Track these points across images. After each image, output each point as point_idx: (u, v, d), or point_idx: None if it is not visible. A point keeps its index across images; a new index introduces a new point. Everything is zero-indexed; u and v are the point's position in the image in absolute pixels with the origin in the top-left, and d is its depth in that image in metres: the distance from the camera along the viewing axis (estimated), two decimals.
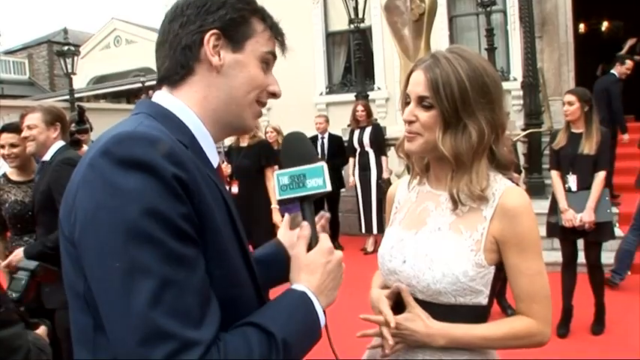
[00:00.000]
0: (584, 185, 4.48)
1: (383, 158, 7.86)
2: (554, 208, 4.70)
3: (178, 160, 0.94)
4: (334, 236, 8.33)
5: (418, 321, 1.47)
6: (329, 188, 1.21)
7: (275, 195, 4.99)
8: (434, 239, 1.51)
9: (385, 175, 7.77)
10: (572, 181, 4.54)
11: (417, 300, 1.51)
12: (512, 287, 1.49)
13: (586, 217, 4.40)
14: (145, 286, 0.86)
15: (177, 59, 1.11)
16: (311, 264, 1.16)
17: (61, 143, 3.43)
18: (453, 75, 1.44)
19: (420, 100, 1.48)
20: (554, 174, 4.67)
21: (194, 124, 1.10)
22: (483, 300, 1.47)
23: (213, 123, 1.13)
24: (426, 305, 1.49)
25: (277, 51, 1.21)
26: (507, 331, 1.47)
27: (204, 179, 1.00)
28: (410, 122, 1.51)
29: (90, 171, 0.94)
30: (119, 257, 0.88)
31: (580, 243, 4.68)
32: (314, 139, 8.36)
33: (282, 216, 5.70)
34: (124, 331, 0.87)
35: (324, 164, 1.23)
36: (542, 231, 6.31)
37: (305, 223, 1.22)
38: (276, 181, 1.23)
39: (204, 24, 1.10)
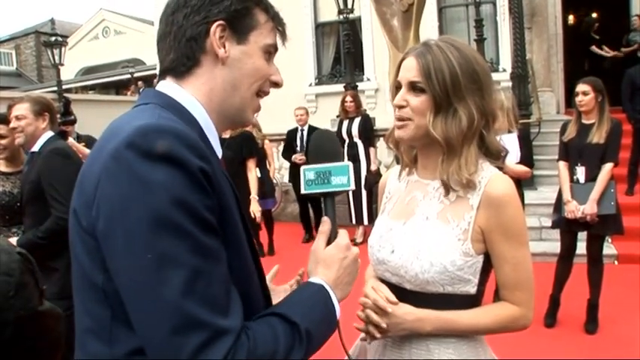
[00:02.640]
0: (593, 176, 4.40)
1: (371, 149, 7.80)
2: (558, 202, 4.63)
3: (202, 154, 0.96)
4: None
5: (405, 307, 1.49)
6: (352, 187, 1.26)
7: (255, 186, 4.97)
8: (422, 229, 1.52)
9: (373, 167, 7.72)
10: (581, 172, 4.47)
11: (405, 290, 1.52)
12: (497, 274, 1.51)
13: (588, 209, 4.33)
14: (176, 276, 0.88)
15: (183, 51, 1.11)
16: (328, 258, 1.20)
17: (50, 134, 3.38)
18: (445, 61, 1.46)
19: (412, 85, 1.50)
20: (562, 164, 4.60)
21: (201, 117, 1.10)
22: (472, 289, 1.48)
23: (217, 115, 1.14)
24: (414, 295, 1.50)
25: (278, 41, 1.22)
26: (493, 317, 1.50)
27: (219, 172, 1.02)
28: (400, 107, 1.52)
29: (115, 163, 0.93)
30: (149, 248, 0.89)
31: (581, 235, 4.62)
32: (294, 131, 8.24)
33: (261, 207, 5.76)
34: (156, 321, 0.89)
35: (349, 164, 1.27)
36: (529, 222, 6.32)
37: (326, 219, 1.26)
38: (303, 176, 1.27)
39: (209, 15, 1.09)
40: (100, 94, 19.30)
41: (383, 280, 1.60)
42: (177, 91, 1.11)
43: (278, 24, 1.20)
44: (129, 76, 20.27)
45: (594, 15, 12.95)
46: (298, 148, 8.00)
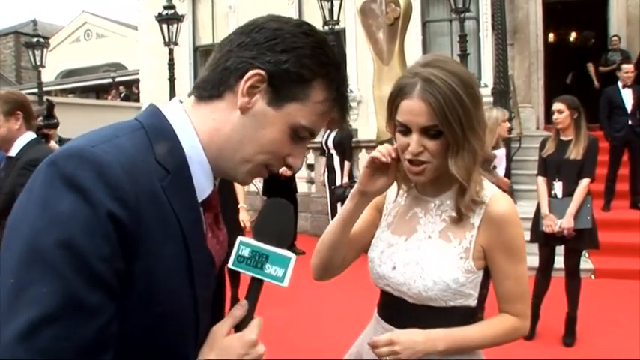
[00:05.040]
0: (570, 191, 4.51)
1: (346, 163, 7.78)
2: (537, 216, 4.73)
3: (122, 196, 0.84)
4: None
5: (414, 331, 1.48)
6: (285, 284, 1.05)
7: (243, 194, 4.76)
8: (424, 247, 1.53)
9: (345, 180, 7.70)
10: (558, 187, 4.59)
11: (407, 303, 1.53)
12: (497, 289, 1.54)
13: (565, 223, 4.42)
14: (27, 314, 0.78)
15: (216, 75, 1.00)
16: (225, 349, 1.00)
17: (30, 136, 3.03)
18: (454, 96, 1.39)
19: (426, 130, 1.42)
20: (540, 179, 4.72)
21: (192, 148, 0.99)
22: (472, 302, 1.51)
23: (212, 158, 1.01)
24: (416, 308, 1.52)
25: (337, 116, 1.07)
26: (498, 330, 1.53)
27: (160, 214, 0.90)
28: (418, 153, 1.45)
29: (35, 177, 0.87)
30: (18, 275, 0.80)
31: (559, 249, 4.74)
32: None
33: (250, 219, 5.58)
34: None
35: (292, 256, 1.06)
36: None
37: (244, 302, 1.05)
38: (236, 248, 1.07)
39: (258, 58, 0.97)
40: (80, 98, 19.08)
41: (383, 292, 1.62)
42: (179, 115, 1.00)
43: (339, 106, 1.04)
44: (110, 80, 20.11)
45: (573, 34, 13.22)
46: None
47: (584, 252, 6.41)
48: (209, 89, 1.00)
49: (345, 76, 1.06)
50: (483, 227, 1.49)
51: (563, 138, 4.58)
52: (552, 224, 4.46)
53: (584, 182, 4.47)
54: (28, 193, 0.87)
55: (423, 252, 1.52)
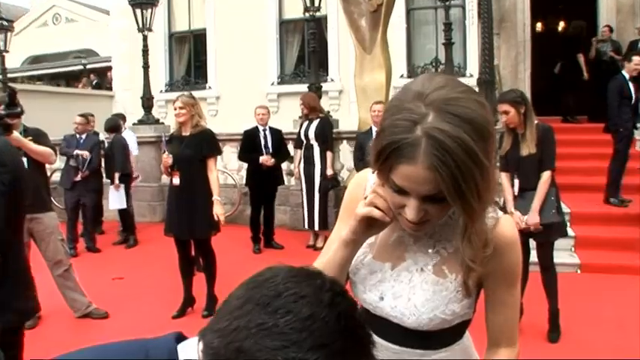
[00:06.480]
0: (530, 187, 4.48)
1: (328, 154, 7.52)
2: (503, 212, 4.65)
3: None
4: (269, 234, 7.92)
5: None
6: None
7: (217, 186, 4.48)
8: (416, 282, 1.39)
9: (329, 172, 7.49)
10: (518, 184, 4.60)
11: (401, 327, 1.41)
12: (494, 318, 1.43)
13: (530, 220, 4.40)
14: None
15: (227, 352, 0.81)
16: None
17: None
18: (471, 160, 1.10)
19: (431, 197, 1.16)
20: (504, 176, 4.67)
21: None
22: (468, 317, 1.42)
23: None
24: (413, 331, 1.40)
25: None
26: None
27: None
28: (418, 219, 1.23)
29: None
30: None
31: (532, 242, 4.67)
32: (254, 131, 7.76)
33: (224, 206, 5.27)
34: None
35: None
36: None
37: None
38: None
39: (281, 351, 0.79)
40: (48, 85, 18.48)
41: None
42: None
43: None
44: (81, 67, 19.59)
45: (561, 23, 13.12)
46: (263, 150, 7.57)
47: (570, 247, 6.53)
48: None
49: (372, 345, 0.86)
50: None
51: (518, 131, 4.51)
52: (519, 221, 4.39)
53: (546, 175, 4.43)
54: None
55: (415, 288, 1.38)
